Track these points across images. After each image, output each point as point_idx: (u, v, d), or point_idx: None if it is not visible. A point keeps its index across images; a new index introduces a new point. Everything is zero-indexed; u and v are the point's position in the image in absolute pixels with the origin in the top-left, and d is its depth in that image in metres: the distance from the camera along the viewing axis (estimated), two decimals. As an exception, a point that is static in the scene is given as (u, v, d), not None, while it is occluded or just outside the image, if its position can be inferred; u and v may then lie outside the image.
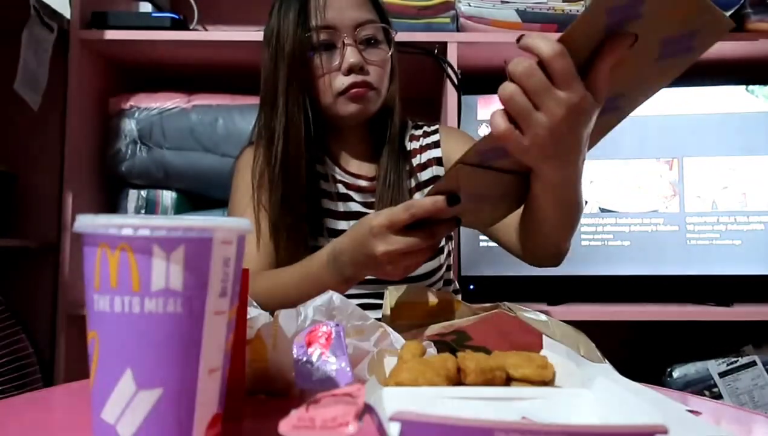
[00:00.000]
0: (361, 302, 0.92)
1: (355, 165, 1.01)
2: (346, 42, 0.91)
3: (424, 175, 1.02)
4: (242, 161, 1.02)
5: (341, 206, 0.98)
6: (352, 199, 0.98)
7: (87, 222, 0.35)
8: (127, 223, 0.34)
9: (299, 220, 0.92)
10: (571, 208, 0.73)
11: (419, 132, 1.06)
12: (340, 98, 0.92)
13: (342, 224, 0.96)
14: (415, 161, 1.03)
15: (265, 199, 0.94)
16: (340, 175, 0.99)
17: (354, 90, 0.91)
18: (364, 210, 0.98)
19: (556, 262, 0.86)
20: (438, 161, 1.03)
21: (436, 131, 1.06)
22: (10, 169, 1.49)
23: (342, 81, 0.91)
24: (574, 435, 0.32)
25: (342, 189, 0.99)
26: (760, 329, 1.42)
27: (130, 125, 1.45)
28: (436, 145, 1.03)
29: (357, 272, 0.73)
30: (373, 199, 0.98)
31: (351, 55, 0.90)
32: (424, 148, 1.03)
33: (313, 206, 0.95)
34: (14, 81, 1.28)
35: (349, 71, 0.91)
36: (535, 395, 0.43)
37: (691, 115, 1.46)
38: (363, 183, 0.99)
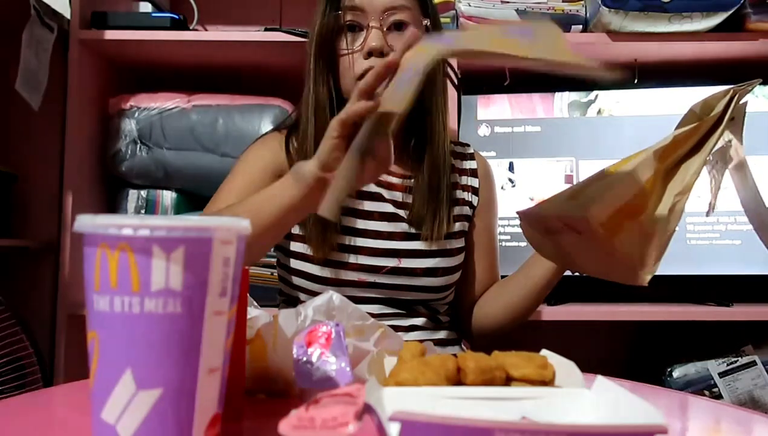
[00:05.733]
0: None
1: None
2: (371, 24, 0.89)
3: (457, 194, 1.00)
4: (262, 140, 1.01)
5: (372, 206, 0.95)
6: (383, 199, 0.96)
7: (87, 222, 0.35)
8: (127, 223, 0.34)
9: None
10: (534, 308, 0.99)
11: (454, 148, 1.04)
12: (359, 84, 0.91)
13: (364, 223, 0.94)
14: (456, 178, 1.01)
15: None
16: None
17: None
18: (395, 211, 0.95)
19: (483, 340, 1.04)
20: (474, 191, 1.02)
21: (472, 157, 1.05)
22: (10, 169, 1.49)
23: (361, 64, 0.89)
24: (574, 435, 0.32)
25: (371, 187, 0.95)
26: (760, 329, 1.42)
27: (130, 125, 1.45)
28: (473, 173, 1.03)
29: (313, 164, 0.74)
30: (401, 199, 0.96)
31: (373, 39, 0.88)
32: (463, 172, 1.02)
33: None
34: (14, 81, 1.28)
35: (369, 55, 0.88)
36: (535, 395, 0.43)
37: (691, 115, 1.46)
38: (394, 180, 0.97)
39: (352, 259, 0.92)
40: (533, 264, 0.95)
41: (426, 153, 0.96)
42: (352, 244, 0.93)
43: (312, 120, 0.92)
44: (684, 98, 1.47)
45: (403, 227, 0.95)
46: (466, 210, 1.01)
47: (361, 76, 0.88)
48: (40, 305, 1.51)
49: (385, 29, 0.89)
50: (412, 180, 0.97)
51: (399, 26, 0.91)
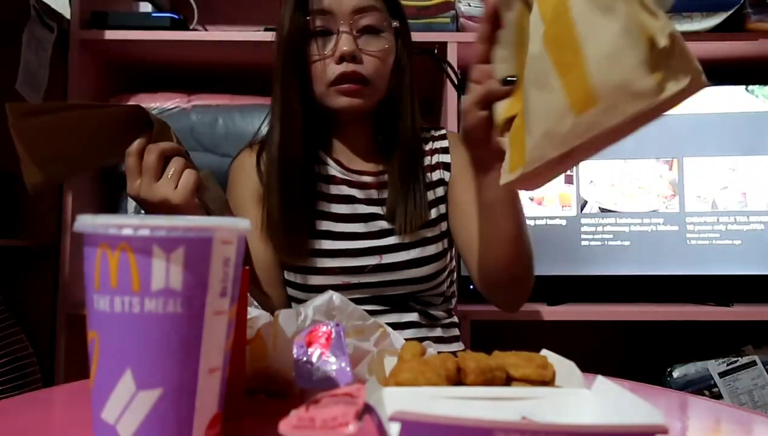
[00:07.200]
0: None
1: (359, 162, 0.98)
2: (341, 29, 0.88)
3: (433, 176, 1.00)
4: (236, 164, 1.01)
5: (345, 209, 0.95)
6: (356, 200, 0.95)
7: (87, 222, 0.35)
8: (127, 223, 0.34)
9: (299, 220, 0.92)
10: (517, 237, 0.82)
11: (426, 134, 1.04)
12: (332, 89, 0.89)
13: (341, 227, 0.94)
14: (425, 162, 1.01)
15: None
16: (342, 173, 0.96)
17: (345, 86, 0.88)
18: (370, 209, 0.95)
19: (510, 301, 0.95)
20: (446, 166, 1.01)
21: (444, 137, 1.04)
22: (10, 169, 1.48)
23: (333, 69, 0.88)
24: (574, 435, 0.32)
25: (345, 190, 0.96)
26: (760, 329, 1.42)
27: (130, 125, 1.45)
28: (444, 150, 1.02)
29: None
30: (376, 196, 0.96)
31: (344, 43, 0.87)
32: (433, 152, 1.01)
33: (311, 209, 0.94)
34: (14, 81, 1.28)
35: (341, 59, 0.87)
36: (535, 395, 0.43)
37: (691, 115, 1.46)
38: (366, 178, 0.97)
39: (334, 263, 0.92)
40: (484, 193, 0.82)
41: (397, 144, 0.95)
42: (331, 248, 0.93)
43: (278, 127, 0.91)
44: (684, 98, 1.47)
45: (379, 224, 0.95)
46: (440, 191, 0.99)
47: (335, 82, 0.88)
48: (40, 305, 1.51)
49: (355, 32, 0.88)
50: (386, 175, 0.96)
51: (369, 30, 0.90)
